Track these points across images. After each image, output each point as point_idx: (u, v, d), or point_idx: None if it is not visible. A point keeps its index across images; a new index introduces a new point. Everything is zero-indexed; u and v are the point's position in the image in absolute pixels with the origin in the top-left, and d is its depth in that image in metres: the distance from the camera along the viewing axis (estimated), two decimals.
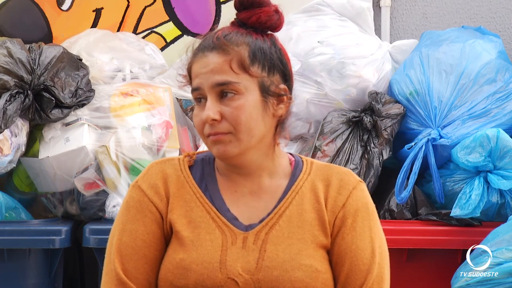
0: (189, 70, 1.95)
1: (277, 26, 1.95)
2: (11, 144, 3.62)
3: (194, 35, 4.40)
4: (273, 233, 1.90)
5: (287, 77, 1.95)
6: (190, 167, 2.00)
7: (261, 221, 1.92)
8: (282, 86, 1.94)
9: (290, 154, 2.04)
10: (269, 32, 1.95)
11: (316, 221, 1.92)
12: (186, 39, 4.38)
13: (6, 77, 3.60)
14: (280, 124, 1.96)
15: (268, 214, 1.93)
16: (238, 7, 1.94)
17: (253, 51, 1.90)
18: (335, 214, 1.93)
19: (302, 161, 2.01)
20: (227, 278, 1.87)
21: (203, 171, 2.00)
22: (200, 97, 1.91)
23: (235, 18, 1.96)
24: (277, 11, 1.95)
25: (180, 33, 4.44)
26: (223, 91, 1.88)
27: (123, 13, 4.40)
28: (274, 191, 1.96)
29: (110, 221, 3.52)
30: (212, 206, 1.94)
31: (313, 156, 3.62)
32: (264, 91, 1.90)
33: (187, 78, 1.97)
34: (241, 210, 1.95)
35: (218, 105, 1.88)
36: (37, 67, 3.68)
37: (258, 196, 1.96)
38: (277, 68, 1.93)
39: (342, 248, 1.91)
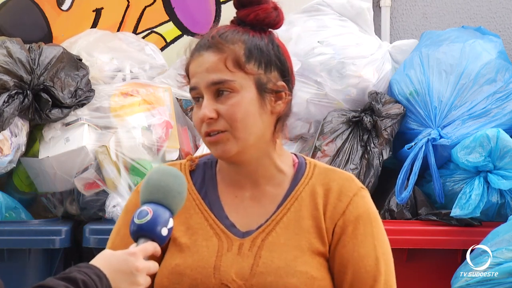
0: (187, 70, 1.94)
1: (276, 23, 1.93)
2: (11, 144, 3.62)
3: (194, 35, 4.35)
4: (269, 240, 1.88)
5: (285, 74, 1.93)
6: (191, 172, 1.99)
7: (258, 228, 1.90)
8: (280, 83, 1.92)
9: (295, 155, 2.01)
10: (268, 29, 1.94)
11: (313, 228, 1.90)
12: (186, 39, 4.38)
13: (5, 77, 3.59)
14: (279, 121, 1.94)
15: (266, 221, 1.91)
16: (236, 5, 1.93)
17: (249, 49, 1.88)
18: (335, 222, 1.90)
19: (306, 163, 1.98)
20: (221, 284, 1.85)
21: (204, 176, 1.99)
22: (197, 96, 1.90)
23: (234, 17, 1.95)
24: (276, 7, 1.93)
25: (180, 33, 4.43)
26: (219, 90, 1.87)
27: (123, 13, 4.40)
28: (274, 195, 1.94)
29: (110, 221, 3.52)
30: (210, 213, 1.93)
31: (313, 156, 3.62)
32: (261, 88, 1.89)
33: (186, 78, 1.96)
34: (240, 217, 1.93)
35: (214, 103, 1.86)
36: (37, 67, 3.68)
37: (258, 201, 1.94)
38: (274, 65, 1.91)
39: (344, 256, 1.88)
